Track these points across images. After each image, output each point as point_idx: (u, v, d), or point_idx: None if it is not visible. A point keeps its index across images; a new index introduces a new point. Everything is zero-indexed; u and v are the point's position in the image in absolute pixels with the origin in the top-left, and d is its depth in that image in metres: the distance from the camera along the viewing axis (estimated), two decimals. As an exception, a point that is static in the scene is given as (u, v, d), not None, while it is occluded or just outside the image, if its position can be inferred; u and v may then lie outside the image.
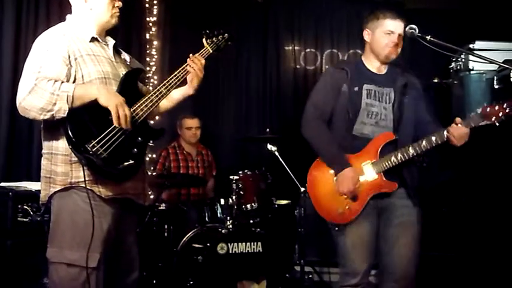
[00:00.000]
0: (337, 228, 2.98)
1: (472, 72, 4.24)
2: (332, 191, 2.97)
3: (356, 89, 3.00)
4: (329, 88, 3.08)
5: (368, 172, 2.93)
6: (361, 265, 2.94)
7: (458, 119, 2.82)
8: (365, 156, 2.95)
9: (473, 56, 3.92)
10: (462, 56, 4.30)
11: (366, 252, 2.95)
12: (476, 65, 4.22)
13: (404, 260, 2.93)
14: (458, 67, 4.42)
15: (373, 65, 3.09)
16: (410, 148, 2.86)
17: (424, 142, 2.84)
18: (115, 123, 2.40)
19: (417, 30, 2.87)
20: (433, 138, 2.83)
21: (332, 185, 2.97)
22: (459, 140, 2.80)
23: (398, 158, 2.87)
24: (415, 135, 2.99)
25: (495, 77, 4.06)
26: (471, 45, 4.26)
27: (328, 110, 3.07)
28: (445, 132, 2.81)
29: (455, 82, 4.40)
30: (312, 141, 3.07)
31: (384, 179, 2.91)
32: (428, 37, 2.83)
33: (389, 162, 2.88)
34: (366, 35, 3.09)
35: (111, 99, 2.42)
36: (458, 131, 2.80)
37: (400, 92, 3.01)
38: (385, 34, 2.98)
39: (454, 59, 4.42)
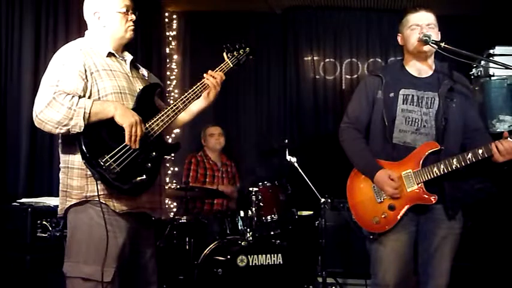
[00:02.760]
0: (372, 237, 2.91)
1: (492, 78, 4.15)
2: (369, 198, 2.92)
3: (391, 94, 2.91)
4: (363, 96, 3.02)
5: (408, 182, 2.83)
6: (392, 277, 2.85)
7: (506, 133, 2.67)
8: (406, 165, 2.84)
9: (489, 62, 3.84)
10: (482, 62, 4.22)
11: (398, 264, 2.86)
12: (497, 71, 4.13)
13: (440, 273, 2.86)
14: (479, 73, 4.33)
15: (414, 67, 2.96)
16: (454, 160, 2.71)
17: (469, 155, 2.69)
18: (127, 142, 2.42)
19: (432, 38, 2.80)
20: (480, 151, 2.67)
21: (369, 193, 2.92)
22: (504, 156, 2.64)
23: (441, 169, 2.74)
24: (463, 143, 2.88)
25: (515, 83, 3.98)
26: (491, 51, 4.18)
27: (363, 118, 3.00)
28: (493, 146, 2.66)
29: (476, 88, 4.32)
30: (345, 149, 3.02)
31: (424, 190, 2.80)
32: (442, 44, 2.78)
33: (430, 173, 2.76)
34: (399, 39, 3.02)
35: (127, 118, 2.43)
36: (505, 146, 2.63)
37: (445, 97, 2.85)
38: (412, 30, 2.89)
39: (474, 65, 4.34)
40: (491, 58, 4.00)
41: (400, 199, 2.83)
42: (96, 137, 2.40)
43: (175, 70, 6.71)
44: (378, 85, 2.97)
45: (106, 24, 2.65)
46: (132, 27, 2.71)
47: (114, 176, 2.37)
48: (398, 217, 2.83)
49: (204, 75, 2.82)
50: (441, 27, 2.95)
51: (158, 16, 6.49)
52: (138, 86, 2.69)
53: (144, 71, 2.89)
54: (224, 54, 2.97)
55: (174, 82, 6.65)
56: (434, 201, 2.79)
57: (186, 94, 2.74)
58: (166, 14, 6.68)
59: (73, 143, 2.44)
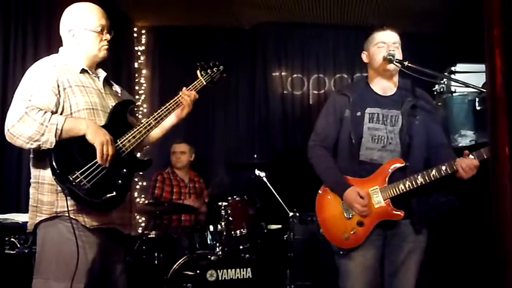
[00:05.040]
0: (341, 252, 2.94)
1: (454, 94, 4.28)
2: (337, 215, 2.95)
3: (358, 113, 2.96)
4: (331, 114, 3.06)
5: (375, 198, 2.88)
6: None
7: (466, 151, 2.76)
8: (373, 182, 2.89)
9: (450, 80, 3.98)
10: (444, 79, 4.36)
11: (366, 278, 2.91)
12: (458, 87, 4.26)
13: (405, 285, 2.91)
14: (442, 89, 4.47)
15: (378, 86, 3.03)
16: (419, 176, 2.78)
17: (433, 171, 2.77)
18: (98, 161, 2.44)
19: (395, 57, 2.89)
20: (443, 167, 2.76)
21: (338, 209, 2.95)
22: (467, 172, 2.73)
23: (407, 185, 2.80)
24: (427, 157, 2.94)
25: (477, 99, 4.11)
26: (453, 68, 4.31)
27: (331, 135, 3.04)
28: (455, 163, 2.75)
29: (439, 104, 4.45)
30: (314, 167, 3.05)
31: (391, 206, 2.85)
32: (406, 63, 2.86)
33: (397, 189, 2.82)
34: (364, 56, 3.07)
35: (98, 136, 2.45)
36: (467, 163, 2.73)
37: (408, 115, 2.92)
38: (378, 48, 2.95)
39: (437, 82, 4.47)
40: (452, 75, 4.14)
41: (369, 215, 2.87)
42: (67, 154, 2.41)
43: (144, 85, 6.70)
44: (345, 104, 3.01)
45: (80, 42, 2.66)
46: (106, 46, 2.73)
47: (85, 192, 2.38)
48: (367, 233, 2.88)
49: (180, 93, 2.85)
50: (404, 44, 3.02)
51: (127, 31, 6.48)
52: (111, 102, 2.72)
53: (117, 88, 2.91)
54: (198, 72, 2.99)
55: (143, 97, 6.65)
56: (401, 217, 2.85)
57: (158, 111, 2.75)
58: (135, 29, 6.68)
59: (44, 158, 2.45)
